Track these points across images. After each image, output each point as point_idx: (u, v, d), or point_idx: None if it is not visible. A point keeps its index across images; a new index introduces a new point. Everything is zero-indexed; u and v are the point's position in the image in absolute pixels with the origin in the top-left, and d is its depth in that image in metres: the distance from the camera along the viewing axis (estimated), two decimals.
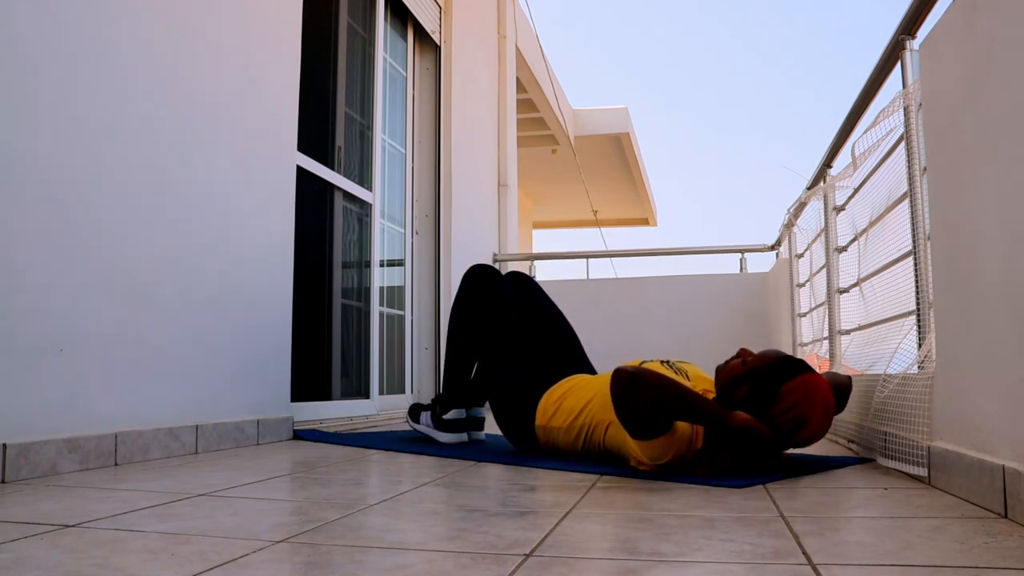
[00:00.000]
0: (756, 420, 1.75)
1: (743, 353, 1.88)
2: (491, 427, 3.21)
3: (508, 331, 2.43)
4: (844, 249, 3.08)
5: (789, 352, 4.26)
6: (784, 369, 1.79)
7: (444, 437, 2.52)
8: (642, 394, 1.70)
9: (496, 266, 5.44)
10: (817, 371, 1.86)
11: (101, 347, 1.95)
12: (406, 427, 3.36)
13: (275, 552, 1.05)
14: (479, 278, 2.51)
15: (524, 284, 2.56)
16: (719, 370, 1.88)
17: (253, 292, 2.61)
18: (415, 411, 2.67)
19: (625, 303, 5.18)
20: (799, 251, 4.22)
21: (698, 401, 1.75)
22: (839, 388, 1.98)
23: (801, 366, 1.80)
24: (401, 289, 4.38)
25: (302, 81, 2.96)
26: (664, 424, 1.74)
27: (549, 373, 2.30)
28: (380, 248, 4.04)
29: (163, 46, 2.21)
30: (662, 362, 2.05)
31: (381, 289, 4.05)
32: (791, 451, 1.93)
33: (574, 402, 2.09)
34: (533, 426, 2.19)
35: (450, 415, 2.52)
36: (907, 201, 2.06)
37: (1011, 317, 1.28)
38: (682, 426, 1.78)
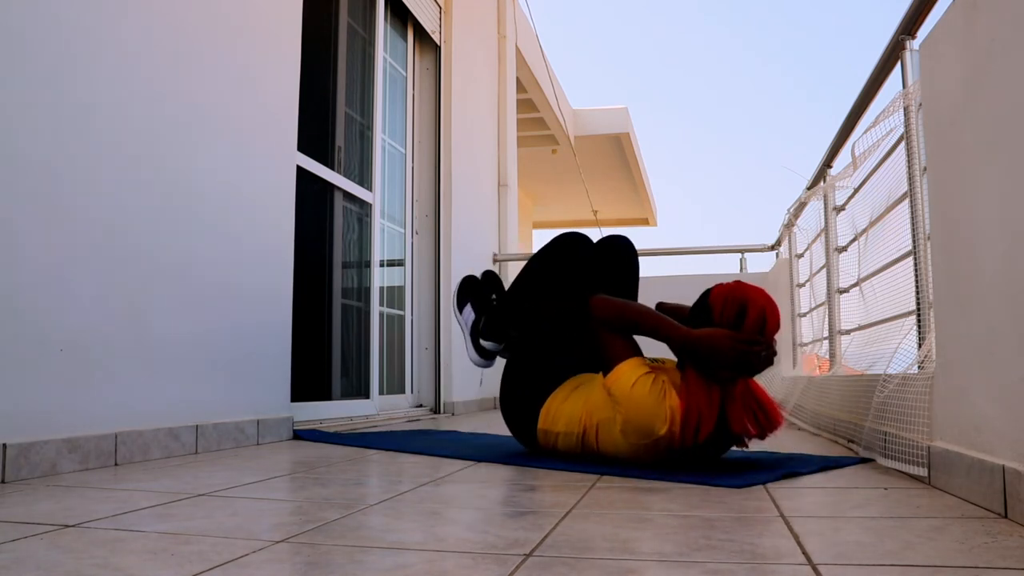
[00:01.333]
0: (716, 328, 1.87)
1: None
2: (490, 427, 3.21)
3: (572, 295, 2.28)
4: (844, 249, 3.08)
5: (789, 352, 4.27)
6: (703, 293, 1.96)
7: (474, 356, 2.45)
8: (609, 304, 2.03)
9: (496, 267, 5.44)
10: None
11: (101, 347, 1.95)
12: (406, 426, 3.36)
13: (275, 552, 1.05)
14: (567, 247, 2.35)
15: (616, 253, 2.39)
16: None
17: (253, 292, 2.61)
18: (464, 295, 2.52)
19: None
20: (799, 251, 4.22)
21: (657, 316, 1.99)
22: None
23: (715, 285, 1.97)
24: (401, 289, 4.38)
25: (302, 81, 2.96)
26: (628, 339, 2.01)
27: (574, 367, 2.24)
28: (380, 248, 4.04)
29: (163, 46, 2.21)
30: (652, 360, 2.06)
31: (381, 289, 4.05)
32: (795, 457, 1.92)
33: (572, 407, 2.09)
34: (535, 428, 2.18)
35: (488, 345, 2.47)
36: (907, 201, 2.06)
37: (1011, 317, 1.28)
38: (654, 378, 1.89)
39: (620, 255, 2.39)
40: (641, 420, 1.86)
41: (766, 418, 1.89)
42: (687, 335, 1.89)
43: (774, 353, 1.88)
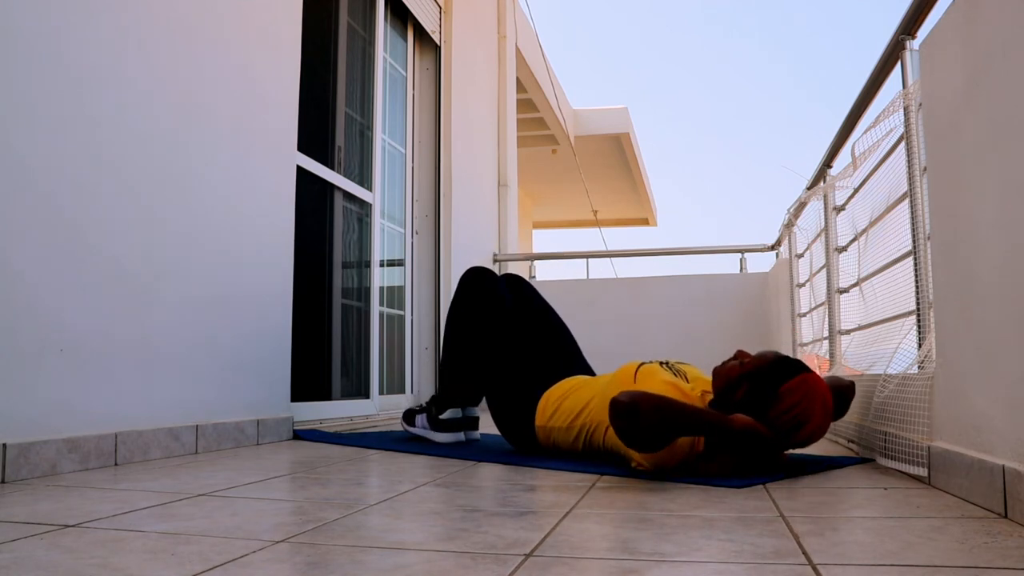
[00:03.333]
0: (756, 421, 1.75)
1: (740, 355, 1.87)
2: (489, 427, 3.21)
3: (504, 332, 2.43)
4: (844, 249, 3.08)
5: (789, 352, 4.26)
6: (782, 369, 1.79)
7: (441, 437, 2.53)
8: (643, 421, 1.68)
9: (495, 267, 5.44)
10: (816, 372, 1.86)
11: (101, 347, 1.95)
12: None
13: (275, 552, 1.05)
14: (475, 280, 2.51)
15: (519, 286, 2.57)
16: (716, 372, 1.88)
17: (253, 292, 2.61)
18: (410, 415, 2.67)
19: (625, 303, 5.17)
20: (799, 251, 4.22)
21: (699, 415, 1.74)
22: (840, 391, 1.98)
23: (799, 366, 1.80)
24: (401, 289, 4.38)
25: (302, 81, 2.96)
26: (668, 441, 1.73)
27: (546, 374, 2.30)
28: (380, 248, 4.04)
29: (163, 46, 2.21)
30: (661, 363, 2.04)
31: (381, 289, 4.05)
32: (791, 451, 1.93)
33: (573, 403, 2.09)
34: (533, 426, 2.19)
35: (447, 415, 2.53)
36: (907, 201, 2.06)
37: (1011, 317, 1.28)
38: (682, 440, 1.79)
39: (524, 282, 2.58)
40: (664, 462, 1.81)
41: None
42: (731, 432, 1.75)
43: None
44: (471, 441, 2.57)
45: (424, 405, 2.65)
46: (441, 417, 2.54)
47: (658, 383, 1.89)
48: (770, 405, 1.77)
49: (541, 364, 2.37)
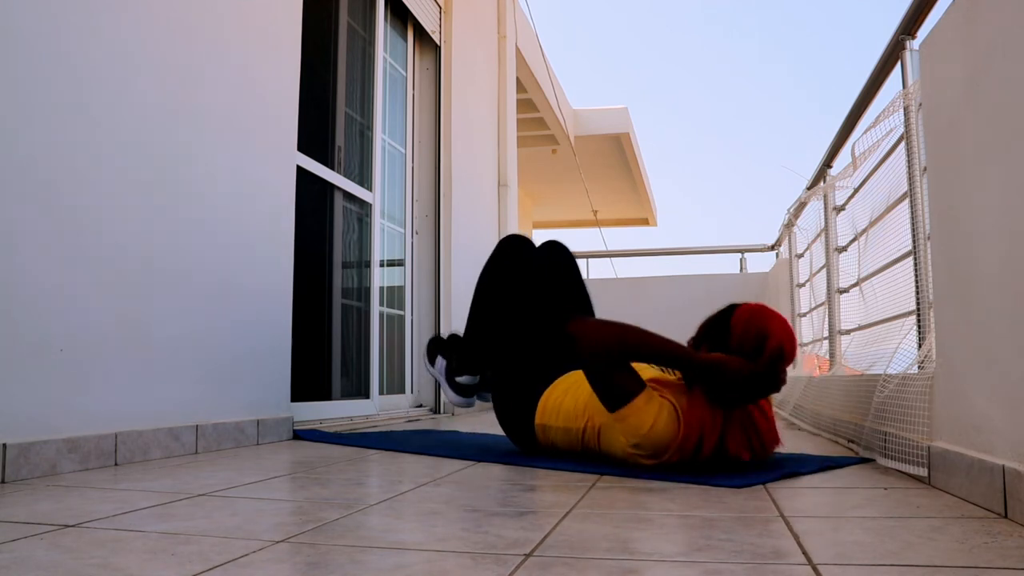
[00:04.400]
0: (726, 356, 1.83)
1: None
2: (490, 427, 3.21)
3: (524, 308, 2.35)
4: (844, 249, 3.08)
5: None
6: (725, 311, 1.90)
7: (454, 397, 2.48)
8: (597, 332, 1.75)
9: None
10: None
11: (101, 347, 1.95)
12: (406, 426, 3.36)
13: (275, 552, 1.05)
14: (509, 249, 2.43)
15: (557, 256, 2.43)
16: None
17: (253, 292, 2.61)
18: (433, 349, 2.57)
19: (625, 303, 5.17)
20: (799, 251, 4.22)
21: (661, 339, 1.84)
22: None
23: (739, 304, 1.91)
24: (401, 289, 4.38)
25: (302, 81, 2.96)
26: (631, 377, 1.83)
27: (557, 362, 2.25)
28: (380, 248, 4.04)
29: (163, 46, 2.21)
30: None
31: (381, 289, 4.05)
32: (792, 456, 1.93)
33: (571, 403, 2.09)
34: (532, 424, 2.19)
35: (463, 379, 2.49)
36: (907, 201, 2.06)
37: (1011, 317, 1.28)
38: (662, 401, 1.84)
39: (562, 254, 2.44)
40: (654, 447, 1.85)
41: (761, 446, 1.89)
42: (700, 362, 1.84)
43: (783, 383, 1.88)
44: (481, 400, 2.53)
45: (450, 342, 2.55)
46: (458, 380, 2.49)
47: (646, 398, 1.89)
48: (729, 340, 1.85)
49: (555, 348, 2.31)
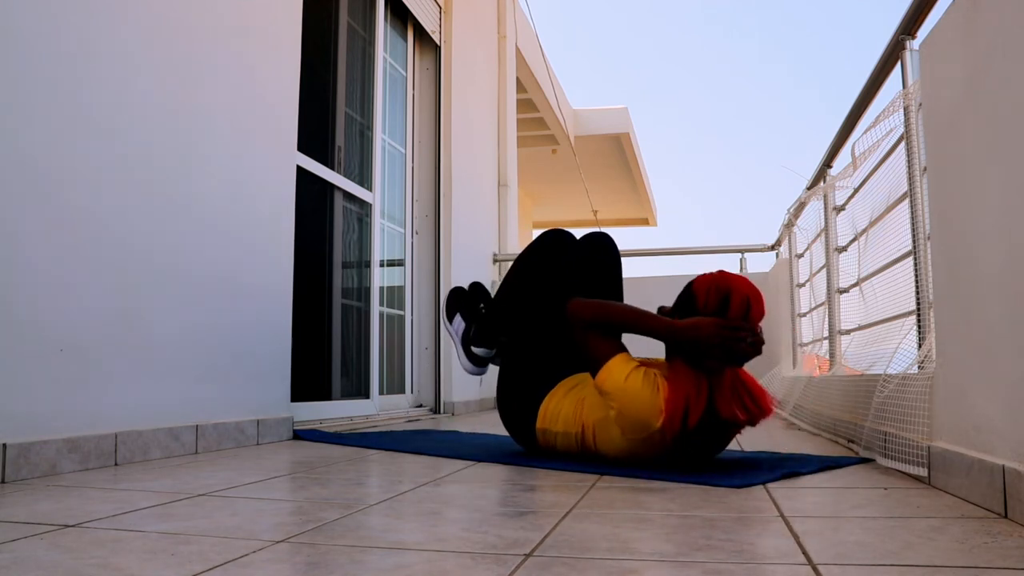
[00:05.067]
0: (698, 319, 1.88)
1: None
2: (490, 427, 3.21)
3: (557, 296, 2.27)
4: (844, 249, 3.08)
5: (789, 352, 4.26)
6: (687, 285, 1.97)
7: (465, 363, 2.47)
8: (587, 307, 2.00)
9: (495, 267, 5.44)
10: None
11: (101, 347, 1.95)
12: (406, 426, 3.36)
13: (275, 552, 1.05)
14: (552, 246, 2.38)
15: (600, 253, 2.37)
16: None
17: (253, 292, 2.61)
18: (453, 306, 2.53)
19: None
20: (799, 251, 4.22)
21: (639, 310, 1.98)
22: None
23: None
24: (401, 289, 4.38)
25: (302, 81, 2.96)
26: (610, 342, 1.97)
27: (564, 361, 2.24)
28: (380, 248, 4.04)
29: (164, 47, 2.21)
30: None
31: (381, 289, 4.05)
32: (794, 460, 1.92)
33: (570, 408, 2.09)
34: (534, 427, 2.18)
35: (480, 351, 2.47)
36: (907, 201, 2.06)
37: (1011, 317, 1.28)
38: (647, 373, 1.89)
39: (605, 252, 2.37)
40: (637, 414, 1.86)
41: (755, 404, 1.89)
42: (672, 325, 1.91)
43: (761, 341, 1.89)
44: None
45: (472, 299, 2.51)
46: (474, 349, 2.46)
47: (623, 359, 1.96)
48: (695, 304, 1.90)
49: (563, 344, 2.29)
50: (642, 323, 1.97)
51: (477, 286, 2.57)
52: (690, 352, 1.88)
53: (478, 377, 2.48)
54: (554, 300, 2.29)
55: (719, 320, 1.86)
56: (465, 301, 2.54)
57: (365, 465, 2.04)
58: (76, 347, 1.87)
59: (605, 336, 2.01)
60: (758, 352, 1.89)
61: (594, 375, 1.98)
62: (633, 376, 1.89)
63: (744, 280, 1.92)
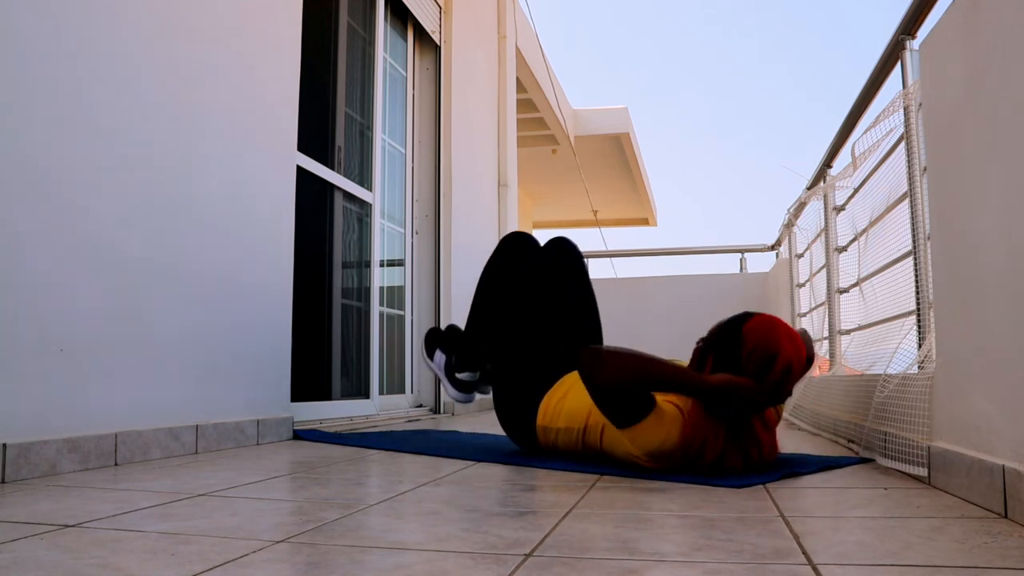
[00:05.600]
0: (732, 376, 1.78)
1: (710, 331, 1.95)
2: (490, 427, 3.21)
3: (531, 310, 2.32)
4: (844, 249, 3.08)
5: None
6: (738, 319, 1.84)
7: (454, 393, 2.47)
8: (609, 366, 1.71)
9: None
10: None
11: (101, 347, 1.95)
12: (406, 426, 3.36)
13: (275, 552, 1.05)
14: (511, 247, 2.39)
15: (563, 258, 2.38)
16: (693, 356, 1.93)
17: (253, 292, 2.61)
18: (432, 342, 2.53)
19: (625, 303, 5.18)
20: (799, 251, 4.22)
21: (670, 367, 1.78)
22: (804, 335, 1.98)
23: (753, 313, 1.84)
24: (401, 289, 4.38)
25: (302, 81, 2.96)
26: (642, 401, 1.77)
27: (557, 366, 2.25)
28: (380, 248, 4.04)
29: (164, 47, 2.21)
30: None
31: (381, 289, 4.05)
32: (793, 449, 1.92)
33: (573, 404, 2.09)
34: (534, 426, 2.18)
35: (464, 376, 2.48)
36: (907, 201, 2.06)
37: (1011, 317, 1.28)
38: (670, 410, 1.81)
39: (568, 256, 2.39)
40: (650, 442, 1.83)
41: (759, 455, 1.87)
42: (702, 385, 1.79)
43: (789, 395, 1.86)
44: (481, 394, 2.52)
45: (448, 335, 2.52)
46: (458, 376, 2.47)
47: (659, 417, 1.87)
48: (738, 351, 1.79)
49: (554, 352, 2.30)
50: (678, 384, 1.80)
51: (452, 327, 2.58)
52: (719, 408, 1.81)
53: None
54: (526, 307, 2.30)
55: (754, 387, 1.76)
56: (443, 338, 2.56)
57: (365, 465, 2.04)
58: (76, 347, 1.87)
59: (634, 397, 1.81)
60: (780, 404, 1.87)
61: (618, 426, 1.85)
62: (668, 436, 1.80)
63: (794, 342, 1.81)
